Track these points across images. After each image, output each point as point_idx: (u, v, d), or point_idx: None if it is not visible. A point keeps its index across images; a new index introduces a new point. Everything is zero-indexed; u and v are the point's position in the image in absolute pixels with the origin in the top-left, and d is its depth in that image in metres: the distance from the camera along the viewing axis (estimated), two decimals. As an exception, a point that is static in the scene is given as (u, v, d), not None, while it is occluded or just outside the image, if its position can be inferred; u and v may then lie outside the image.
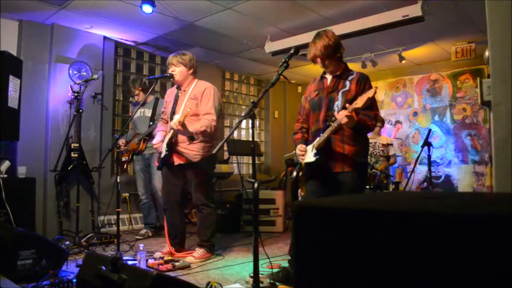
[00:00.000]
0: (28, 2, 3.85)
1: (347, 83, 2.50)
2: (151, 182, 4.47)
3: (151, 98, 4.52)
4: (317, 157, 2.45)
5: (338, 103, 2.47)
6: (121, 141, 4.45)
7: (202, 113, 3.23)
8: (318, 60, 2.53)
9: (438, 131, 5.94)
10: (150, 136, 4.28)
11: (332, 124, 2.38)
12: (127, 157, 4.48)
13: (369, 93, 2.22)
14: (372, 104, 2.41)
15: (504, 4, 1.38)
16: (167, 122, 3.45)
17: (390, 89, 6.46)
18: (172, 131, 3.15)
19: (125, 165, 4.65)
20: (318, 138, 2.47)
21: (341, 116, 2.27)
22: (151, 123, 4.39)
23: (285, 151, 7.18)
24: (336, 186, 2.48)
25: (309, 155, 2.52)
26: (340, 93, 2.49)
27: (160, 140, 3.35)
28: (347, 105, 2.31)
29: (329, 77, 2.60)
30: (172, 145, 3.23)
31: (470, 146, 5.66)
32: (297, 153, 2.60)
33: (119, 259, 1.72)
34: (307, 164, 2.56)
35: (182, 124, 2.92)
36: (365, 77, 2.53)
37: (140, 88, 4.41)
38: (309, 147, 2.55)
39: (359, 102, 2.24)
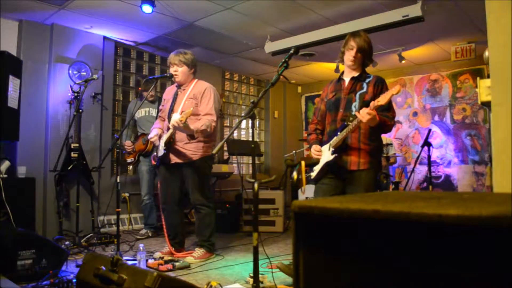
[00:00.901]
0: (28, 2, 3.85)
1: (365, 85, 2.56)
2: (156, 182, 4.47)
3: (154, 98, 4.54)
4: (335, 155, 2.47)
5: (355, 104, 2.52)
6: (127, 143, 4.44)
7: (203, 113, 3.23)
8: (353, 52, 2.55)
9: (438, 131, 5.94)
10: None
11: (350, 123, 2.40)
12: (133, 158, 4.46)
13: (393, 91, 2.27)
14: (390, 106, 2.50)
15: (504, 4, 1.38)
16: (164, 120, 3.45)
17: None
18: (170, 130, 3.14)
19: (131, 166, 4.62)
20: (335, 137, 2.49)
21: (363, 114, 2.29)
22: None
23: (285, 151, 7.18)
24: (351, 184, 2.52)
25: (326, 154, 2.55)
26: (357, 95, 2.54)
27: (156, 134, 3.33)
28: (371, 103, 2.32)
29: (346, 79, 2.65)
30: (170, 144, 3.23)
31: (470, 146, 5.66)
32: (313, 153, 2.63)
33: (119, 259, 1.72)
34: (312, 165, 2.59)
35: (184, 123, 2.92)
36: (382, 80, 2.60)
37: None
38: (325, 147, 2.58)
39: (382, 99, 2.28)
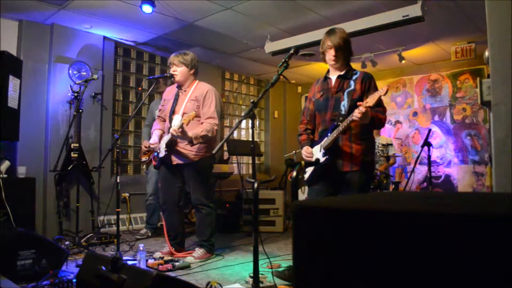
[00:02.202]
0: (28, 2, 3.85)
1: (352, 82, 2.52)
2: None
3: None
4: (327, 156, 2.45)
5: (344, 103, 2.48)
6: (145, 143, 4.44)
7: (204, 117, 3.23)
8: (333, 51, 2.53)
9: (438, 131, 5.94)
10: None
11: (340, 123, 2.38)
12: (147, 157, 4.45)
13: (381, 92, 2.23)
14: (380, 103, 2.45)
15: (504, 4, 1.38)
16: (164, 121, 3.45)
17: (390, 89, 6.44)
18: (169, 135, 3.14)
19: (144, 165, 4.60)
20: (326, 139, 2.47)
21: (355, 114, 2.27)
22: None
23: (285, 151, 7.18)
24: (343, 185, 2.49)
25: (317, 156, 2.52)
26: (345, 93, 2.51)
27: (156, 140, 3.34)
28: (358, 103, 2.30)
29: (333, 78, 2.61)
30: (171, 145, 3.23)
31: (470, 146, 5.66)
32: (303, 155, 2.60)
33: (119, 259, 1.72)
34: (314, 164, 2.55)
35: (182, 130, 2.92)
36: (369, 76, 2.55)
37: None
38: (316, 148, 2.55)
39: (370, 100, 2.24)
